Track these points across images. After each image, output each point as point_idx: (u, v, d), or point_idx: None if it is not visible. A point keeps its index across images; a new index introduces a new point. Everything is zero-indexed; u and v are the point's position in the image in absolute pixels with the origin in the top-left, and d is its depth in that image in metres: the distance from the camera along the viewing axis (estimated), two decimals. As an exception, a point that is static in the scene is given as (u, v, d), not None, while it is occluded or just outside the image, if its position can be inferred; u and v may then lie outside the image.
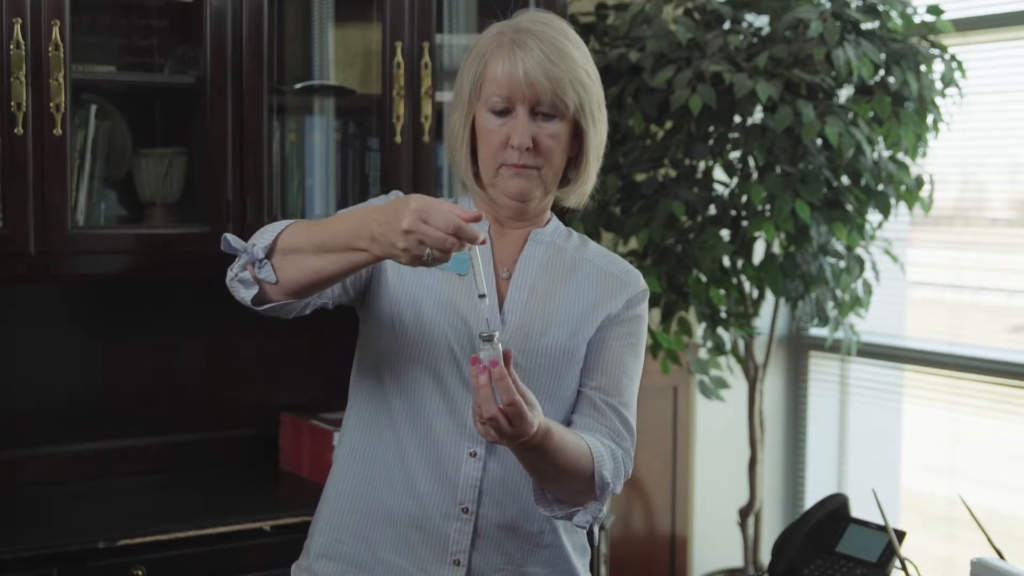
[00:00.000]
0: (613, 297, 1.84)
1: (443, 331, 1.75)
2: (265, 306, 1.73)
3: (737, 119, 3.16)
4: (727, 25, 3.31)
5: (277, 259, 1.69)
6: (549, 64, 1.72)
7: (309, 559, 1.87)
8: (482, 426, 1.56)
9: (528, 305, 1.80)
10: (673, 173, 3.28)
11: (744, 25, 3.30)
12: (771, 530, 3.89)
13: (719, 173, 3.37)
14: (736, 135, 3.17)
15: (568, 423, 1.80)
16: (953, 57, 3.22)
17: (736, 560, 3.78)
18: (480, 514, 1.77)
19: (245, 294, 1.72)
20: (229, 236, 1.75)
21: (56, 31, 2.47)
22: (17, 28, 2.44)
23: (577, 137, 1.80)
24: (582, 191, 1.85)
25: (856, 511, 2.20)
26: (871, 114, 3.09)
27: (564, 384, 1.80)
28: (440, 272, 1.77)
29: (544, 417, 1.63)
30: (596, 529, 1.80)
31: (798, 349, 4.04)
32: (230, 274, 1.74)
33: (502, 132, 1.75)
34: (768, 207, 3.11)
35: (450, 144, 1.84)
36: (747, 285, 3.34)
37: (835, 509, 2.17)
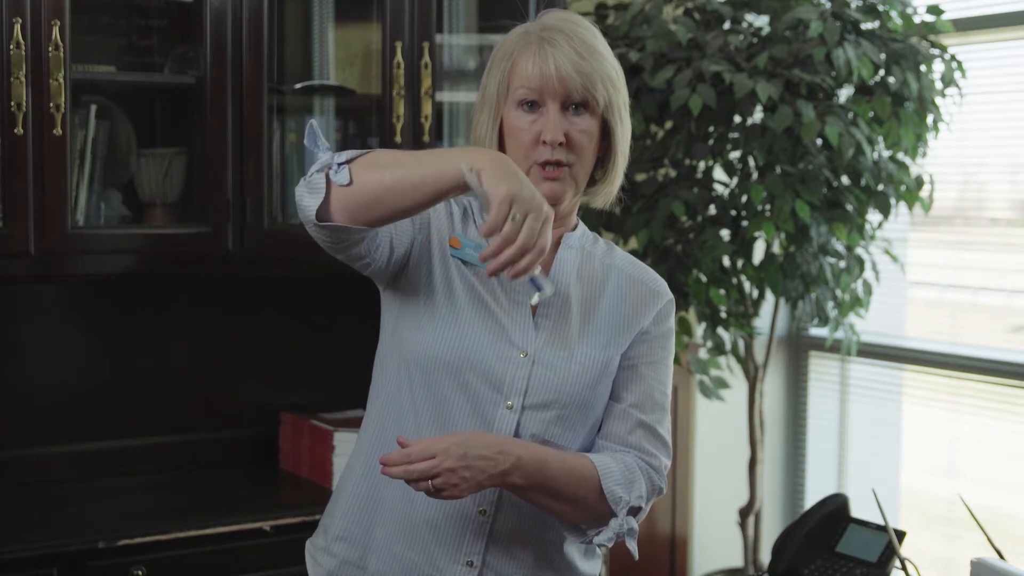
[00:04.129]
0: (645, 307, 1.83)
1: (478, 336, 1.75)
2: (324, 224, 1.64)
3: (737, 119, 3.16)
4: (727, 25, 3.31)
5: (357, 166, 1.64)
6: (579, 60, 1.72)
7: (328, 539, 1.87)
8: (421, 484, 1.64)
9: (564, 311, 1.79)
10: (673, 173, 3.28)
11: (744, 25, 3.30)
12: (771, 530, 3.89)
13: (719, 173, 3.37)
14: (736, 135, 3.17)
15: (592, 442, 1.81)
16: (953, 57, 3.22)
17: (736, 560, 3.78)
18: (497, 518, 1.77)
19: (310, 202, 1.64)
20: (315, 124, 1.69)
21: (56, 31, 2.47)
22: (17, 28, 2.44)
23: (605, 137, 1.79)
24: (609, 191, 1.84)
25: (856, 511, 2.20)
26: (871, 114, 3.09)
27: (597, 394, 1.79)
28: (483, 278, 1.77)
29: (518, 451, 1.67)
30: (633, 544, 1.78)
31: (798, 349, 4.04)
32: (302, 180, 1.66)
33: (533, 129, 1.74)
34: (768, 207, 3.11)
35: (477, 147, 1.81)
36: (747, 285, 3.34)
37: (835, 509, 2.17)
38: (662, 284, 1.87)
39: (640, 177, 3.29)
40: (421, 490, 1.65)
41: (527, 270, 1.56)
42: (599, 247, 1.88)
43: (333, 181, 1.63)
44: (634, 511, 1.75)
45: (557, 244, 1.83)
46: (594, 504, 1.73)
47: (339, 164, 1.64)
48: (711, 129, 3.20)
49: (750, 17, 3.36)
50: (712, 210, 3.23)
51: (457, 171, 1.57)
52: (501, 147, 1.79)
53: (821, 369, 4.01)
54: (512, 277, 1.56)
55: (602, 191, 1.84)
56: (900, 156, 3.23)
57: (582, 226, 1.88)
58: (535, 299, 1.61)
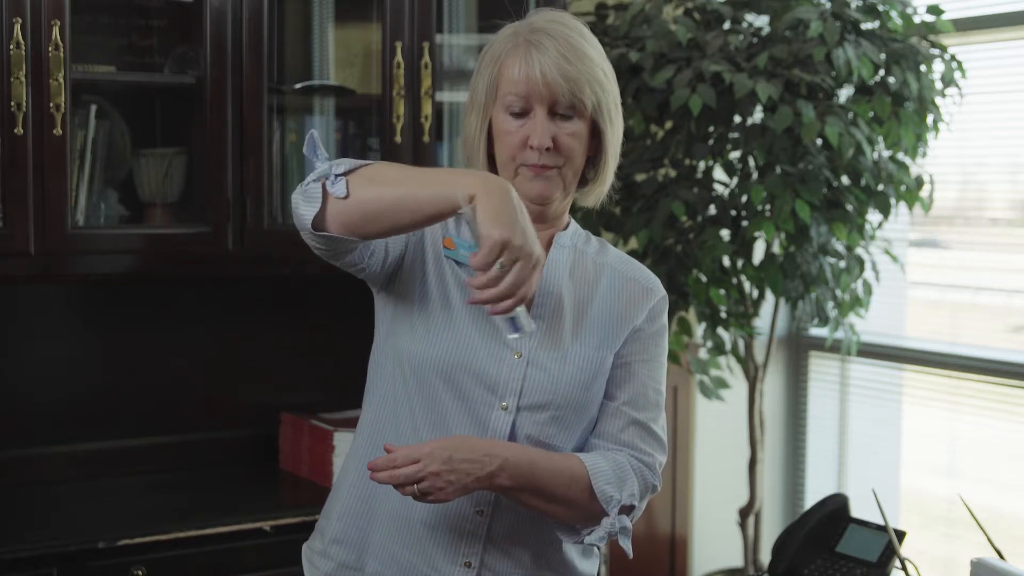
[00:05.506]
0: (638, 305, 1.83)
1: (472, 337, 1.75)
2: (320, 234, 1.66)
3: (737, 119, 3.16)
4: (727, 25, 3.31)
5: (355, 179, 1.64)
6: (566, 64, 1.72)
7: (324, 542, 1.87)
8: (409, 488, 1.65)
9: (556, 311, 1.79)
10: (673, 173, 3.28)
11: (744, 25, 3.30)
12: (771, 530, 3.89)
13: (719, 173, 3.37)
14: (736, 135, 3.17)
15: (586, 441, 1.81)
16: (953, 57, 3.22)
17: (736, 560, 3.78)
18: (495, 518, 1.77)
19: (306, 211, 1.65)
20: (315, 134, 1.70)
21: (56, 31, 2.47)
22: (17, 28, 2.44)
23: (595, 136, 1.79)
24: (600, 191, 1.85)
25: (856, 511, 2.20)
26: (871, 114, 3.09)
27: (591, 394, 1.79)
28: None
29: (505, 452, 1.67)
30: (627, 543, 1.78)
31: (798, 349, 4.04)
32: (299, 187, 1.67)
33: (521, 133, 1.74)
34: (768, 207, 3.11)
35: (467, 148, 1.82)
36: (747, 285, 3.34)
37: (835, 509, 2.17)
38: (655, 281, 1.87)
39: (640, 177, 3.29)
40: (408, 495, 1.66)
41: (506, 311, 1.58)
42: (591, 246, 1.88)
43: (330, 192, 1.63)
44: (626, 509, 1.75)
45: (549, 244, 1.83)
46: (586, 504, 1.72)
47: (336, 175, 1.63)
48: (711, 129, 3.20)
49: (750, 17, 3.36)
50: (712, 210, 3.23)
51: (455, 200, 1.58)
52: (490, 147, 1.80)
53: (821, 369, 4.01)
54: (491, 314, 1.59)
55: (593, 191, 1.85)
56: (900, 156, 3.23)
57: (574, 225, 1.88)
58: (511, 337, 1.62)
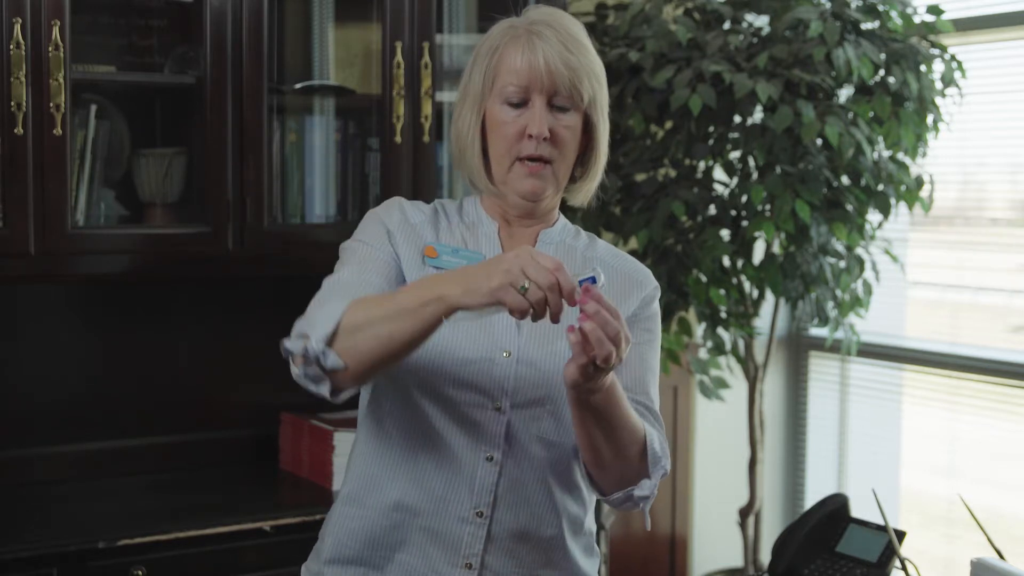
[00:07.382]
0: (629, 297, 1.83)
1: (459, 343, 1.74)
2: (345, 395, 1.66)
3: (737, 119, 3.16)
4: (727, 25, 3.31)
5: (341, 341, 1.62)
6: (568, 53, 1.72)
7: (320, 563, 1.85)
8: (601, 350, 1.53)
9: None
10: (673, 173, 3.28)
11: (744, 25, 3.30)
12: (771, 530, 3.89)
13: (719, 173, 3.37)
14: (736, 135, 3.17)
15: None
16: (953, 57, 3.22)
17: (736, 560, 3.78)
18: (494, 518, 1.76)
19: (317, 391, 1.66)
20: (286, 342, 1.68)
21: (56, 31, 2.47)
22: (17, 28, 2.44)
23: (587, 132, 1.79)
24: (589, 188, 1.84)
25: (856, 511, 2.20)
26: (871, 114, 3.09)
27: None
28: None
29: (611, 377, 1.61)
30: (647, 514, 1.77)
31: (798, 349, 4.04)
32: (299, 371, 1.67)
33: (518, 123, 1.74)
34: (768, 207, 3.11)
35: (459, 142, 1.81)
36: (747, 285, 3.34)
37: (835, 509, 2.17)
38: (645, 273, 1.87)
39: (640, 177, 3.29)
40: (589, 353, 1.53)
41: (570, 302, 1.52)
42: (581, 240, 1.87)
43: (328, 368, 1.62)
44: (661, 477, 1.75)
45: (534, 241, 1.83)
46: (632, 460, 1.69)
47: (324, 351, 1.61)
48: (711, 129, 3.20)
49: (750, 17, 3.36)
50: (712, 210, 3.23)
51: (443, 306, 1.54)
52: (483, 140, 1.79)
53: (821, 369, 4.01)
54: (571, 304, 1.52)
55: (582, 188, 1.84)
56: (900, 156, 3.23)
57: (562, 220, 1.88)
58: (601, 280, 1.55)
